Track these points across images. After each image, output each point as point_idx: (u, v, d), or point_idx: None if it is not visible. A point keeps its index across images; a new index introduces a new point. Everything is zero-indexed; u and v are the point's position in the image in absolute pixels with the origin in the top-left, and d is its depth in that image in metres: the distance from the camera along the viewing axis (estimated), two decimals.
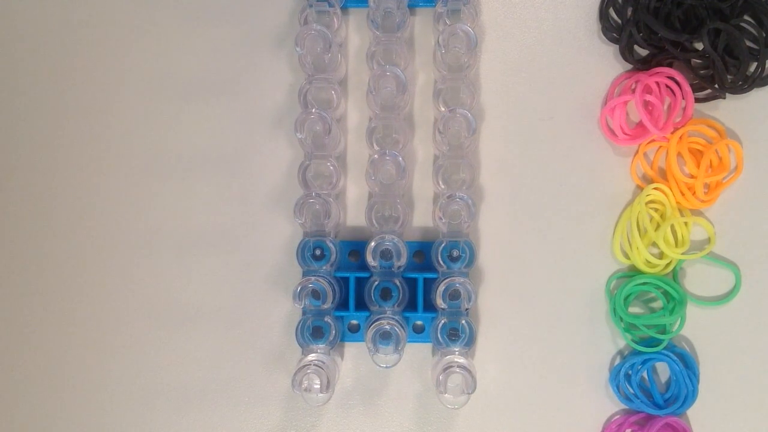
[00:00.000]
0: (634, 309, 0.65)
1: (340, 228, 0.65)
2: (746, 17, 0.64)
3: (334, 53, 0.62)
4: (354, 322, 0.64)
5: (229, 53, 0.66)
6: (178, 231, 0.65)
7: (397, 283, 0.61)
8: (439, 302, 0.60)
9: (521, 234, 0.65)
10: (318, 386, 0.59)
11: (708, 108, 0.65)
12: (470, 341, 0.61)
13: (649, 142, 0.64)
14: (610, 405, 0.64)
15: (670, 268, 0.64)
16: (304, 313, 0.62)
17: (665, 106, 0.64)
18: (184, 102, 0.66)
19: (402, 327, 0.60)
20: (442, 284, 0.60)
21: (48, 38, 0.67)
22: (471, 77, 0.64)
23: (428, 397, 0.64)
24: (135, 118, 0.66)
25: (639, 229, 0.63)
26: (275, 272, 0.65)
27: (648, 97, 0.63)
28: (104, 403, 0.65)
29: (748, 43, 0.63)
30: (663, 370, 0.64)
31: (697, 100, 0.64)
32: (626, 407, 0.64)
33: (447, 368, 0.59)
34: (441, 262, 0.61)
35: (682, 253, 0.63)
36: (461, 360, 0.60)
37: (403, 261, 0.61)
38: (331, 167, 0.62)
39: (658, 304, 0.64)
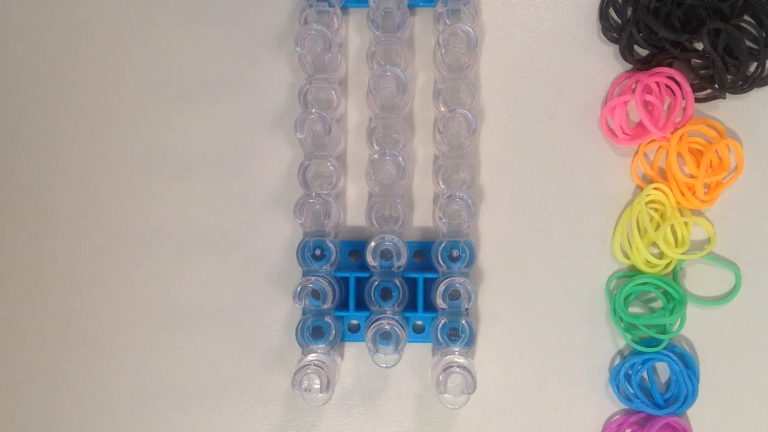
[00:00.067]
0: (634, 309, 0.65)
1: (340, 228, 0.65)
2: (746, 17, 0.64)
3: (334, 53, 0.62)
4: (354, 322, 0.64)
5: (229, 53, 0.66)
6: (178, 231, 0.65)
7: (397, 283, 0.61)
8: (439, 302, 0.60)
9: (521, 234, 0.65)
10: (318, 386, 0.59)
11: (708, 108, 0.65)
12: (470, 341, 0.61)
13: (649, 142, 0.64)
14: (610, 405, 0.64)
15: (670, 268, 0.64)
16: (304, 313, 0.62)
17: (665, 106, 0.64)
18: (184, 102, 0.66)
19: (402, 327, 0.60)
20: (442, 284, 0.60)
21: (48, 38, 0.67)
22: (471, 77, 0.64)
23: (428, 397, 0.64)
24: (135, 118, 0.66)
25: (639, 229, 0.63)
26: (275, 272, 0.65)
27: (648, 97, 0.63)
28: (104, 403, 0.65)
29: (748, 43, 0.63)
30: (663, 370, 0.64)
31: (697, 100, 0.64)
32: (626, 407, 0.64)
33: (447, 368, 0.59)
34: (441, 262, 0.61)
35: (682, 253, 0.63)
36: (461, 360, 0.60)
37: (403, 261, 0.61)
38: (331, 167, 0.62)
39: (658, 304, 0.64)
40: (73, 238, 0.66)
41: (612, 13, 0.65)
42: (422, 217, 0.65)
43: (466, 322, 0.61)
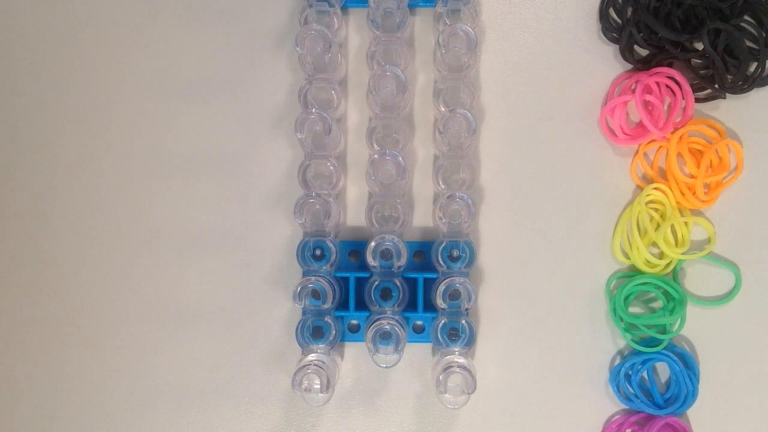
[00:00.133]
0: (634, 309, 0.65)
1: (340, 228, 0.65)
2: (746, 17, 0.64)
3: (334, 53, 0.61)
4: (354, 322, 0.64)
5: (229, 53, 0.66)
6: (178, 231, 0.65)
7: (397, 283, 0.61)
8: (439, 302, 0.60)
9: (521, 234, 0.65)
10: (318, 386, 0.59)
11: (708, 108, 0.65)
12: (470, 341, 0.61)
13: (649, 142, 0.64)
14: (610, 405, 0.64)
15: (670, 268, 0.64)
16: (304, 313, 0.62)
17: (665, 106, 0.64)
18: (184, 102, 0.66)
19: (402, 327, 0.60)
20: (442, 284, 0.60)
21: (48, 38, 0.67)
22: (471, 77, 0.64)
23: (428, 397, 0.64)
24: (135, 118, 0.66)
25: (639, 229, 0.63)
26: (275, 272, 0.65)
27: (648, 97, 0.63)
28: (104, 403, 0.65)
29: (748, 43, 0.63)
30: (663, 370, 0.64)
31: (697, 100, 0.64)
32: (626, 407, 0.64)
33: (447, 368, 0.59)
34: (441, 262, 0.61)
35: (682, 253, 0.63)
36: (461, 360, 0.60)
37: (403, 261, 0.61)
38: (331, 167, 0.62)
39: (658, 304, 0.64)
40: (73, 238, 0.66)
41: (612, 13, 0.65)
42: (422, 217, 0.65)
43: (466, 322, 0.61)
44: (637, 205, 0.63)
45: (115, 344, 0.65)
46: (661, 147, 0.65)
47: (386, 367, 0.61)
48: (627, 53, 0.65)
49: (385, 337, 0.60)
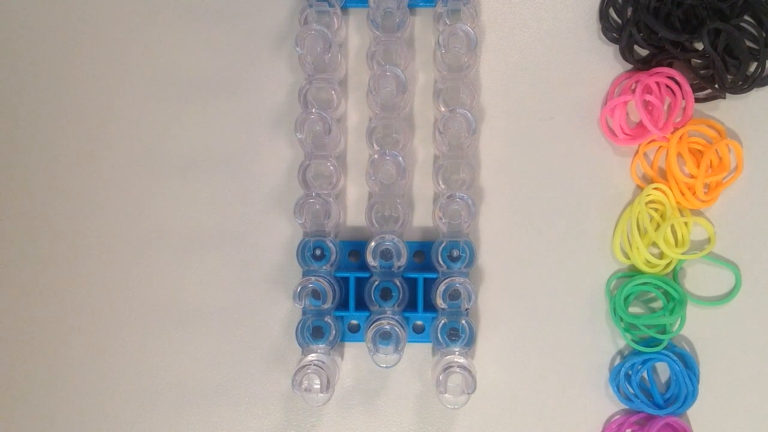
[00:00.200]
0: (634, 309, 0.65)
1: (340, 228, 0.65)
2: (746, 17, 0.64)
3: (334, 53, 0.61)
4: (354, 322, 0.64)
5: (229, 53, 0.66)
6: (178, 231, 0.65)
7: (397, 283, 0.61)
8: (439, 302, 0.60)
9: (521, 234, 0.65)
10: (318, 386, 0.59)
11: (708, 108, 0.65)
12: (470, 341, 0.61)
13: (649, 142, 0.64)
14: (610, 405, 0.64)
15: (670, 268, 0.64)
16: (304, 313, 0.62)
17: (665, 106, 0.64)
18: (184, 102, 0.66)
19: (402, 327, 0.60)
20: (442, 284, 0.60)
21: (48, 38, 0.67)
22: (471, 77, 0.64)
23: (428, 397, 0.64)
24: (135, 117, 0.66)
25: (639, 229, 0.63)
26: (275, 272, 0.65)
27: (648, 97, 0.63)
28: (104, 403, 0.65)
29: (748, 43, 0.63)
30: (663, 370, 0.64)
31: (697, 100, 0.64)
32: (626, 407, 0.64)
33: (447, 368, 0.59)
34: (441, 262, 0.61)
35: (682, 253, 0.63)
36: (461, 360, 0.60)
37: (403, 261, 0.61)
38: (331, 167, 0.62)
39: (658, 304, 0.64)
40: (73, 238, 0.66)
41: (612, 13, 0.65)
42: (422, 217, 0.65)
43: (466, 322, 0.61)
44: (637, 205, 0.63)
45: (115, 344, 0.65)
46: (661, 147, 0.65)
47: (386, 367, 0.61)
48: (627, 53, 0.65)
49: (385, 337, 0.60)
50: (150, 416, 0.65)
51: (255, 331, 0.65)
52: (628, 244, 0.64)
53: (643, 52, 0.65)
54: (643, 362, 0.63)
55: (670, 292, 0.63)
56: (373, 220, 0.62)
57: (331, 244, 0.62)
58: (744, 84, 0.63)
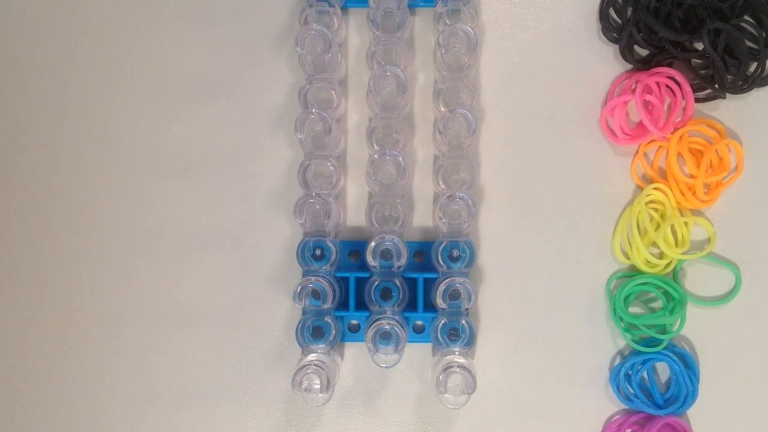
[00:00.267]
0: (634, 309, 0.65)
1: (340, 228, 0.65)
2: (746, 17, 0.64)
3: (334, 53, 0.61)
4: (354, 322, 0.64)
5: (229, 53, 0.66)
6: (178, 231, 0.65)
7: (397, 283, 0.61)
8: (439, 302, 0.60)
9: (521, 234, 0.65)
10: (318, 386, 0.59)
11: (708, 108, 0.65)
12: (470, 341, 0.61)
13: (649, 142, 0.64)
14: (610, 405, 0.64)
15: (670, 268, 0.64)
16: (304, 313, 0.62)
17: (665, 106, 0.64)
18: (184, 102, 0.66)
19: (402, 327, 0.60)
20: (442, 284, 0.60)
21: (48, 38, 0.67)
22: (471, 77, 0.64)
23: (428, 397, 0.64)
24: (135, 117, 0.66)
25: (639, 229, 0.63)
26: (275, 272, 0.65)
27: (648, 97, 0.63)
28: (104, 403, 0.65)
29: (748, 43, 0.63)
30: (663, 370, 0.64)
31: (697, 100, 0.64)
32: (626, 407, 0.64)
33: (447, 368, 0.59)
34: (441, 262, 0.61)
35: (682, 253, 0.63)
36: (461, 360, 0.60)
37: (403, 261, 0.61)
38: (331, 167, 0.62)
39: (658, 304, 0.64)
40: (73, 238, 0.66)
41: (612, 13, 0.65)
42: (422, 217, 0.65)
43: (466, 322, 0.61)
44: (637, 205, 0.63)
45: (115, 344, 0.65)
46: (661, 147, 0.65)
47: (386, 367, 0.61)
48: (627, 53, 0.65)
49: (385, 337, 0.60)
50: (150, 416, 0.65)
51: (255, 331, 0.65)
52: (628, 244, 0.64)
53: (643, 52, 0.65)
54: (643, 362, 0.63)
55: (670, 292, 0.63)
56: (373, 220, 0.62)
57: (331, 244, 0.62)
58: (744, 84, 0.63)
